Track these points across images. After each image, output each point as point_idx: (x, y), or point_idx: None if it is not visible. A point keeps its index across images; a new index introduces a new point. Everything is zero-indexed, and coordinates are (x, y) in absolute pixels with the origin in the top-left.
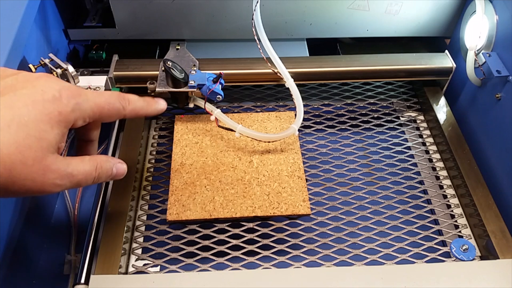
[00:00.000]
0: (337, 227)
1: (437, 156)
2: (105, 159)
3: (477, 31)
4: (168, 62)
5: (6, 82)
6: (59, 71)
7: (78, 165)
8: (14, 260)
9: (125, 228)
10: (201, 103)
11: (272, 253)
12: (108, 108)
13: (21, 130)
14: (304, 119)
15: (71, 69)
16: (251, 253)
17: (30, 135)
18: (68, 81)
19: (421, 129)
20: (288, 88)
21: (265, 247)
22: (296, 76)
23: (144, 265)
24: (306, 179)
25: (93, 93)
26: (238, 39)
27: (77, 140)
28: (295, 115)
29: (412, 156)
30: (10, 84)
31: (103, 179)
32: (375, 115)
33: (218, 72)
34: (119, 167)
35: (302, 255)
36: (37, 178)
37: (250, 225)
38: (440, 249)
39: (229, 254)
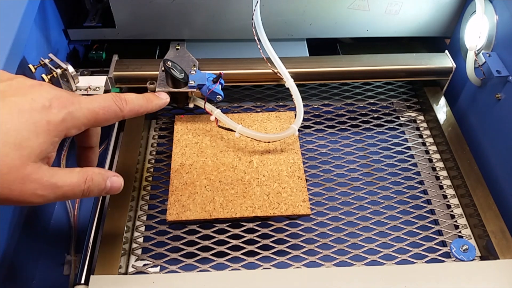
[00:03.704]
0: (337, 227)
1: (437, 156)
2: (97, 172)
3: (477, 31)
4: (168, 62)
5: None
6: (59, 71)
7: (65, 176)
8: (14, 260)
9: (125, 228)
10: (201, 103)
11: (272, 253)
12: (103, 113)
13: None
14: (304, 119)
15: (71, 69)
16: (251, 254)
17: (9, 142)
18: (68, 81)
19: (421, 129)
20: (288, 88)
21: (265, 248)
22: (296, 76)
23: (144, 265)
24: (306, 179)
25: (86, 99)
26: (238, 39)
27: (77, 147)
28: (295, 115)
29: (412, 156)
30: (2, 90)
31: (95, 193)
32: (375, 115)
33: (218, 72)
34: (114, 180)
35: (302, 255)
36: (14, 187)
37: (250, 225)
38: (440, 249)
39: (229, 254)
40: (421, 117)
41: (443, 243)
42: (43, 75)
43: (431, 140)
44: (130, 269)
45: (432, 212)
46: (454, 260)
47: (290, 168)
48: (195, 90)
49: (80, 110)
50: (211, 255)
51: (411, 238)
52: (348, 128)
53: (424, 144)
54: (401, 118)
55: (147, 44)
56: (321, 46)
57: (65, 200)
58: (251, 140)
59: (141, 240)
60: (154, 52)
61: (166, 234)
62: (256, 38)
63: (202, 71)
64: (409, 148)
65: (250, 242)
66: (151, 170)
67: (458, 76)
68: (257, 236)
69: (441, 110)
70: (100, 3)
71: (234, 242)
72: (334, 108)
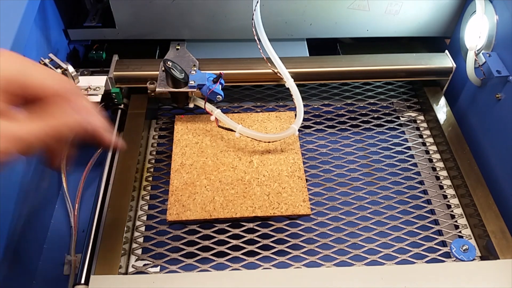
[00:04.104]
0: (337, 227)
1: (437, 156)
2: (67, 112)
3: (477, 31)
4: (168, 62)
5: None
6: (59, 71)
7: (25, 123)
8: (14, 260)
9: (125, 228)
10: (201, 103)
11: (272, 253)
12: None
13: None
14: (304, 119)
15: (71, 69)
16: (251, 254)
17: None
18: None
19: (421, 129)
20: (288, 88)
21: (265, 248)
22: (296, 76)
23: (144, 265)
24: (306, 179)
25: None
26: (238, 39)
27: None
28: (295, 115)
29: (412, 156)
30: None
31: (67, 133)
32: (375, 115)
33: (218, 72)
34: (94, 120)
35: (302, 255)
36: None
37: (250, 225)
38: (440, 249)
39: (229, 254)
40: (421, 117)
41: (443, 243)
42: None
43: (431, 140)
44: (130, 269)
45: (432, 212)
46: (454, 260)
47: (290, 168)
48: (195, 90)
49: (33, 66)
50: (211, 255)
51: (411, 238)
52: (348, 128)
53: (424, 144)
54: (401, 118)
55: (147, 44)
56: (321, 46)
57: (33, 152)
58: (251, 140)
59: (141, 240)
60: (154, 52)
61: (166, 234)
62: (256, 38)
63: (202, 71)
64: (409, 148)
65: (250, 242)
66: (151, 170)
67: (458, 76)
68: (257, 236)
69: (441, 110)
70: (100, 3)
71: (234, 242)
72: (334, 108)
